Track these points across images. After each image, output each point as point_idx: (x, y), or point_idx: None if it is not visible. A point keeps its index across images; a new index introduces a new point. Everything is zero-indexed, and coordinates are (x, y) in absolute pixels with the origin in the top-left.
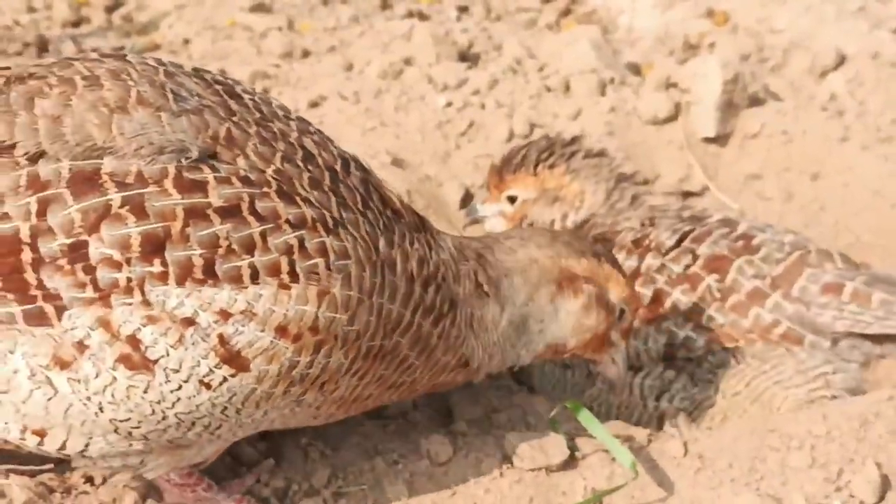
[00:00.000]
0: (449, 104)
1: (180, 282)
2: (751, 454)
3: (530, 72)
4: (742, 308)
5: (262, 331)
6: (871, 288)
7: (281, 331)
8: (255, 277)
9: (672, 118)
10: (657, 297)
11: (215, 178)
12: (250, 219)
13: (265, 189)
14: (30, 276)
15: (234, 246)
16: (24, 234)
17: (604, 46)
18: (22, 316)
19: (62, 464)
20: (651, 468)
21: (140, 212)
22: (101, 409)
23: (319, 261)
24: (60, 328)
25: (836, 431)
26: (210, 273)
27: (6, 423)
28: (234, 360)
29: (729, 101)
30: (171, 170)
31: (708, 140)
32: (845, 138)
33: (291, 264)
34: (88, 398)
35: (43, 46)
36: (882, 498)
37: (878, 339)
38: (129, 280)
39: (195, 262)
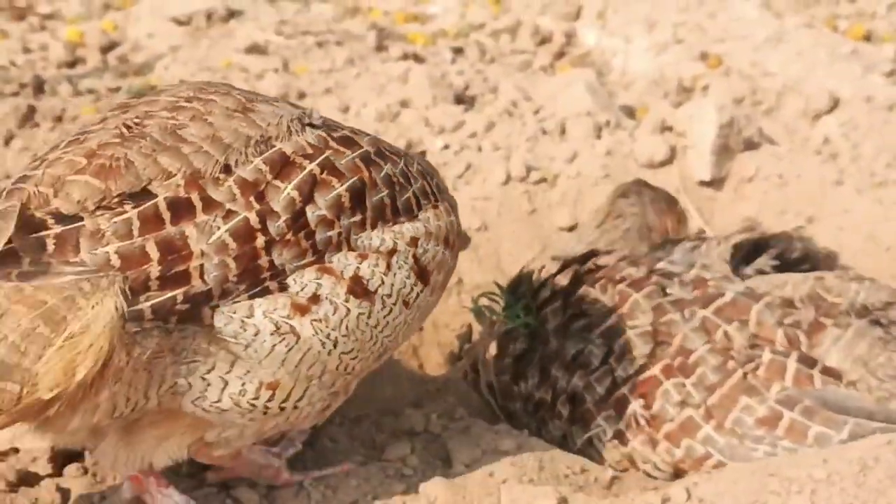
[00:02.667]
0: (446, 146)
1: (374, 224)
2: (751, 498)
3: (526, 114)
4: (675, 438)
5: (438, 245)
6: (811, 420)
7: (445, 242)
8: (419, 205)
9: (668, 162)
10: (583, 418)
11: (348, 132)
12: (392, 157)
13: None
14: (263, 261)
15: (401, 179)
16: (254, 221)
17: (599, 89)
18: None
19: None
20: None
21: (336, 173)
22: (335, 345)
23: (437, 179)
24: (291, 291)
25: (836, 476)
26: (395, 209)
27: (243, 385)
28: (423, 275)
29: (724, 145)
30: (324, 134)
31: (703, 183)
32: (840, 182)
33: (431, 186)
34: (328, 335)
35: (39, 87)
36: None
37: None
38: (339, 235)
39: (384, 202)
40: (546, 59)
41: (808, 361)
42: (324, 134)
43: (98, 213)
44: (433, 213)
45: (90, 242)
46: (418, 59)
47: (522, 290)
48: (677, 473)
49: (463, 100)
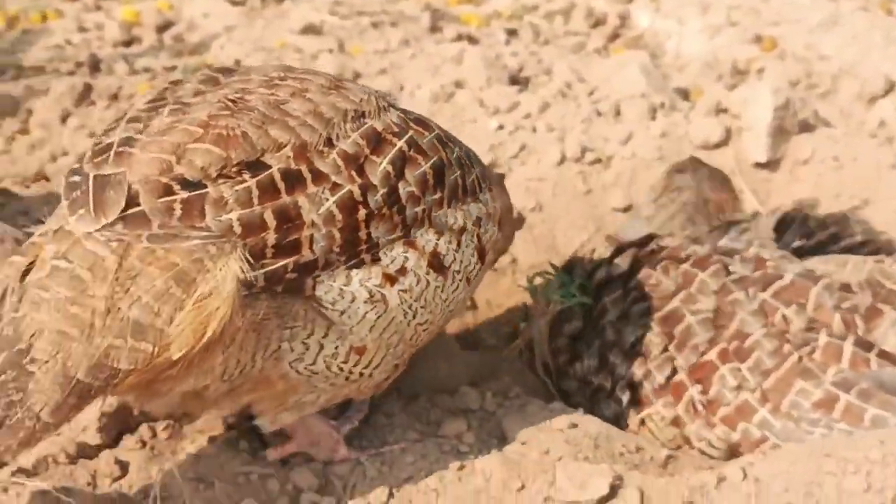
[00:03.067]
0: (500, 127)
1: (449, 203)
2: (807, 478)
3: (580, 96)
4: (732, 421)
5: (494, 226)
6: (867, 402)
7: (498, 223)
8: (480, 188)
9: (723, 143)
10: (641, 403)
11: (417, 115)
12: (457, 141)
13: None
14: (362, 233)
15: (467, 162)
16: (357, 195)
17: (653, 71)
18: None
19: None
20: (707, 493)
21: (421, 151)
22: (414, 315)
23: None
24: (383, 263)
25: (891, 457)
26: (464, 189)
27: (336, 349)
28: (482, 254)
29: (780, 127)
30: (402, 115)
31: (759, 165)
32: None
33: (486, 170)
34: (410, 305)
35: (95, 66)
36: None
37: None
38: (423, 211)
39: (458, 182)
40: (600, 41)
41: (865, 345)
42: (402, 115)
43: (219, 181)
44: (490, 195)
45: (215, 209)
46: (472, 40)
47: (578, 271)
48: (732, 452)
49: (517, 81)
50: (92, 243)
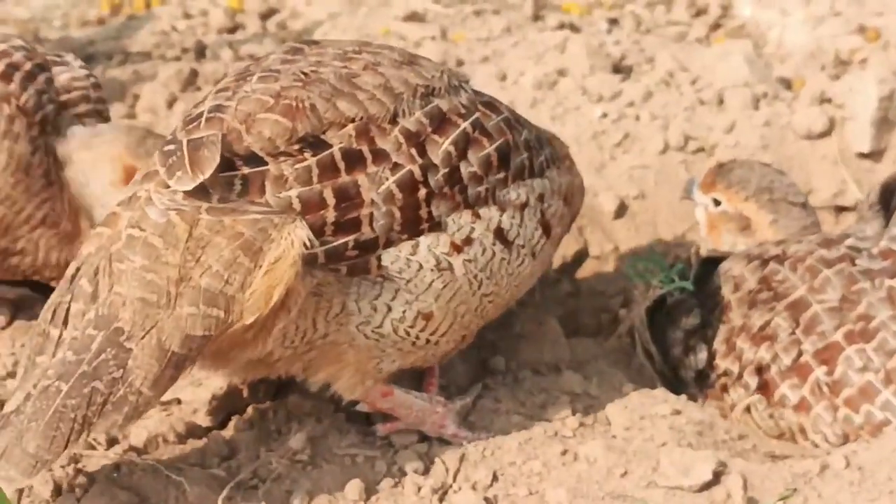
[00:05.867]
0: (604, 115)
1: (514, 181)
2: None
3: (683, 84)
4: (854, 403)
5: (559, 200)
6: None
7: (565, 198)
8: (548, 167)
9: (826, 133)
10: (767, 387)
11: (488, 98)
12: (526, 124)
13: None
14: (423, 211)
15: (534, 145)
16: (417, 174)
17: (756, 61)
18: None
19: None
20: (810, 480)
21: (486, 133)
22: (479, 286)
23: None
24: (449, 231)
25: None
26: (531, 170)
27: (404, 312)
28: (547, 229)
29: (884, 118)
30: (472, 97)
31: (862, 155)
32: None
33: (555, 150)
34: (475, 276)
35: (201, 52)
36: None
37: None
38: (486, 190)
39: (524, 164)
40: (702, 30)
41: None
42: (472, 96)
43: (280, 159)
44: (556, 171)
45: (275, 186)
46: (574, 28)
47: (682, 268)
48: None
49: (620, 69)
50: (156, 212)
